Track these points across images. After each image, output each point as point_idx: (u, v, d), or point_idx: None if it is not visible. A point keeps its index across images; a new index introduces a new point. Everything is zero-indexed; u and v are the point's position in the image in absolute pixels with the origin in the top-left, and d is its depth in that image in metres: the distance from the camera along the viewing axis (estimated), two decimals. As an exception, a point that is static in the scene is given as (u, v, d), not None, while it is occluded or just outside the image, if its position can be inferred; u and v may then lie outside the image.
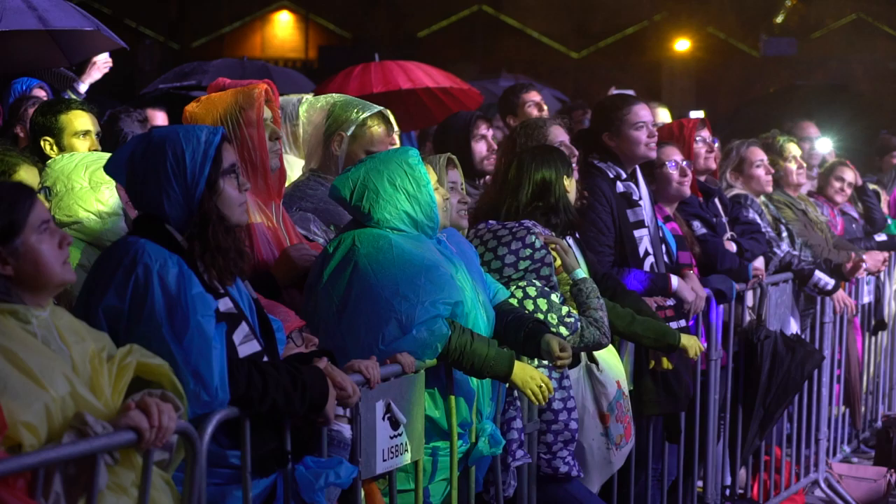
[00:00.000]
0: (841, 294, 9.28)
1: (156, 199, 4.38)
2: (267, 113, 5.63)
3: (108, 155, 5.95)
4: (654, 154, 7.37)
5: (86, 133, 6.91)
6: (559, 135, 7.11)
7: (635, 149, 7.27)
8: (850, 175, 10.41)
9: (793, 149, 9.55)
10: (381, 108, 6.47)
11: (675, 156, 7.80)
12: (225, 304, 4.36)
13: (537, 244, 6.04)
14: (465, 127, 7.83)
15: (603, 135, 7.31)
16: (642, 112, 7.34)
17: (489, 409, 5.62)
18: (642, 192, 7.29)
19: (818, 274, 9.00)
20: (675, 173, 7.75)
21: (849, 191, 10.43)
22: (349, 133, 6.28)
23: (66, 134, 6.88)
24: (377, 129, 6.32)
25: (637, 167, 7.38)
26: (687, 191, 7.83)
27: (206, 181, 4.37)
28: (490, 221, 6.21)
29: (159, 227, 4.36)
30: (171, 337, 4.15)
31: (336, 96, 6.69)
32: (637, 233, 7.15)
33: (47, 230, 3.90)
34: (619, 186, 7.17)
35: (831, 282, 9.06)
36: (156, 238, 4.31)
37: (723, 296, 7.88)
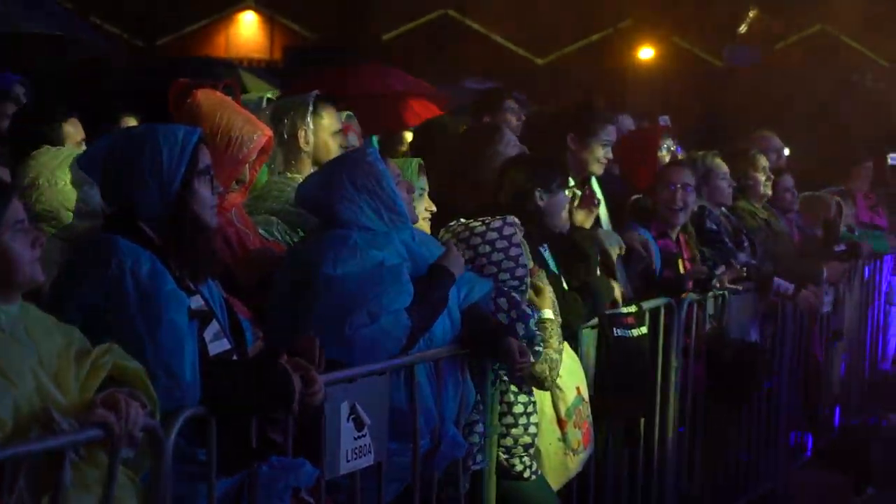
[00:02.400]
0: (804, 294, 9.35)
1: (130, 194, 4.39)
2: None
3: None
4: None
5: None
6: None
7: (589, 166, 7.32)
8: (789, 182, 10.49)
9: (763, 161, 9.66)
10: (315, 91, 6.44)
11: (679, 178, 7.92)
12: (196, 302, 4.37)
13: (514, 239, 5.99)
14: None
15: (568, 135, 7.35)
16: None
17: (451, 412, 5.63)
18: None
19: (777, 280, 9.06)
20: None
21: (788, 196, 10.46)
22: (309, 123, 6.28)
23: None
24: (328, 110, 6.33)
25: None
26: (678, 219, 7.92)
27: (182, 180, 4.39)
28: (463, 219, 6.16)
29: (131, 223, 4.37)
30: (143, 332, 4.16)
31: (268, 97, 6.70)
32: None
33: (21, 229, 3.90)
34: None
35: (791, 286, 9.12)
36: (128, 234, 4.32)
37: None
